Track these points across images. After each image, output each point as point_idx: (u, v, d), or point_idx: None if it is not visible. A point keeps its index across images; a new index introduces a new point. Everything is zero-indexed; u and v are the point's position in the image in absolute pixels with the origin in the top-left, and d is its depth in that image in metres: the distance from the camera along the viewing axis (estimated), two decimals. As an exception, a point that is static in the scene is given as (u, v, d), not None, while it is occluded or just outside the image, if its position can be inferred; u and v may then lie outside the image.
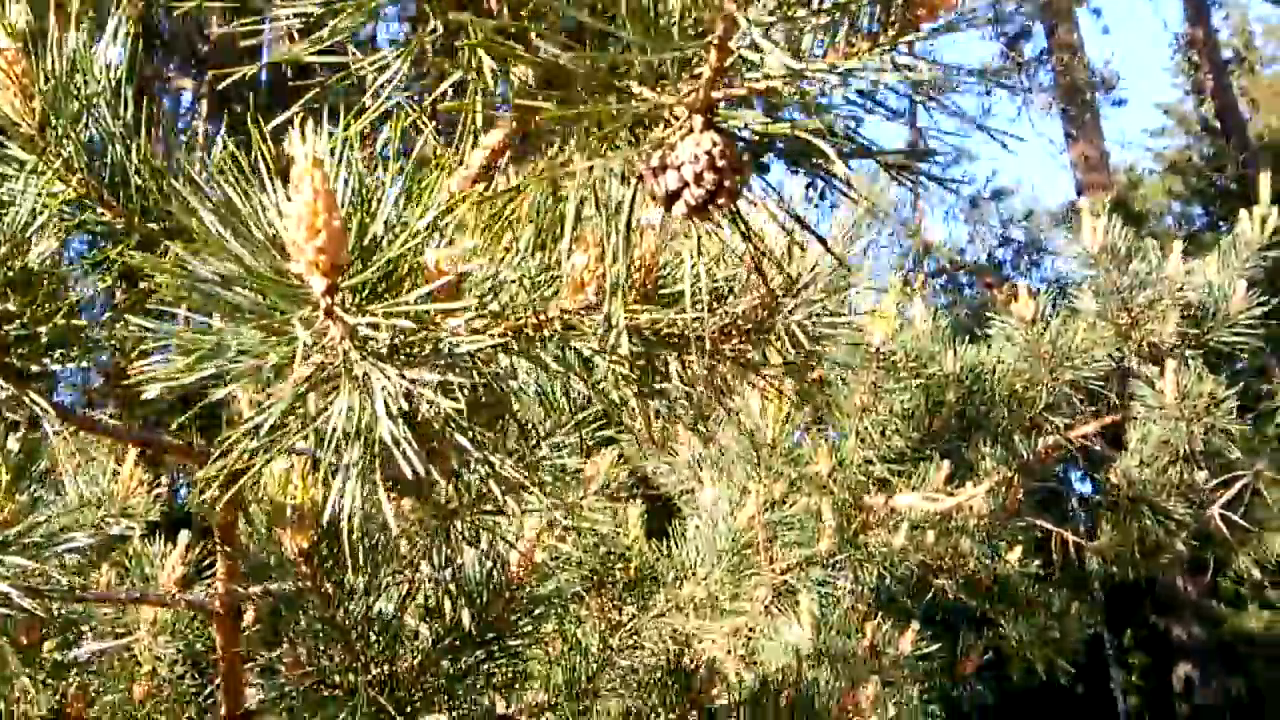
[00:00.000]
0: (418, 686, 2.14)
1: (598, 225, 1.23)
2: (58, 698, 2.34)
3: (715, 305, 1.49)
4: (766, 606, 3.91)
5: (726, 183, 1.12)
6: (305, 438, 1.16)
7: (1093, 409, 4.65)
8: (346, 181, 1.07)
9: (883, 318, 3.94)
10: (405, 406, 1.04)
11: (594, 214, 1.30)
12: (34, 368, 1.41)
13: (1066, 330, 4.39)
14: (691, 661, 2.30)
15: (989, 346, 4.58)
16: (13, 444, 2.06)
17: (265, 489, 2.03)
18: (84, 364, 1.43)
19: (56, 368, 1.37)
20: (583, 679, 2.50)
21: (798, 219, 1.24)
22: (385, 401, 1.01)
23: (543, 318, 1.22)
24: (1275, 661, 15.76)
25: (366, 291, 1.08)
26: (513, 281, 1.20)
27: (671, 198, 1.13)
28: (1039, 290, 4.42)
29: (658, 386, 1.50)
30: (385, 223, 1.05)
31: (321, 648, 2.10)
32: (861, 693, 3.22)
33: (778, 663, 3.90)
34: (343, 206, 1.07)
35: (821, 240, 1.22)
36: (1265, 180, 4.39)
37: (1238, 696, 15.83)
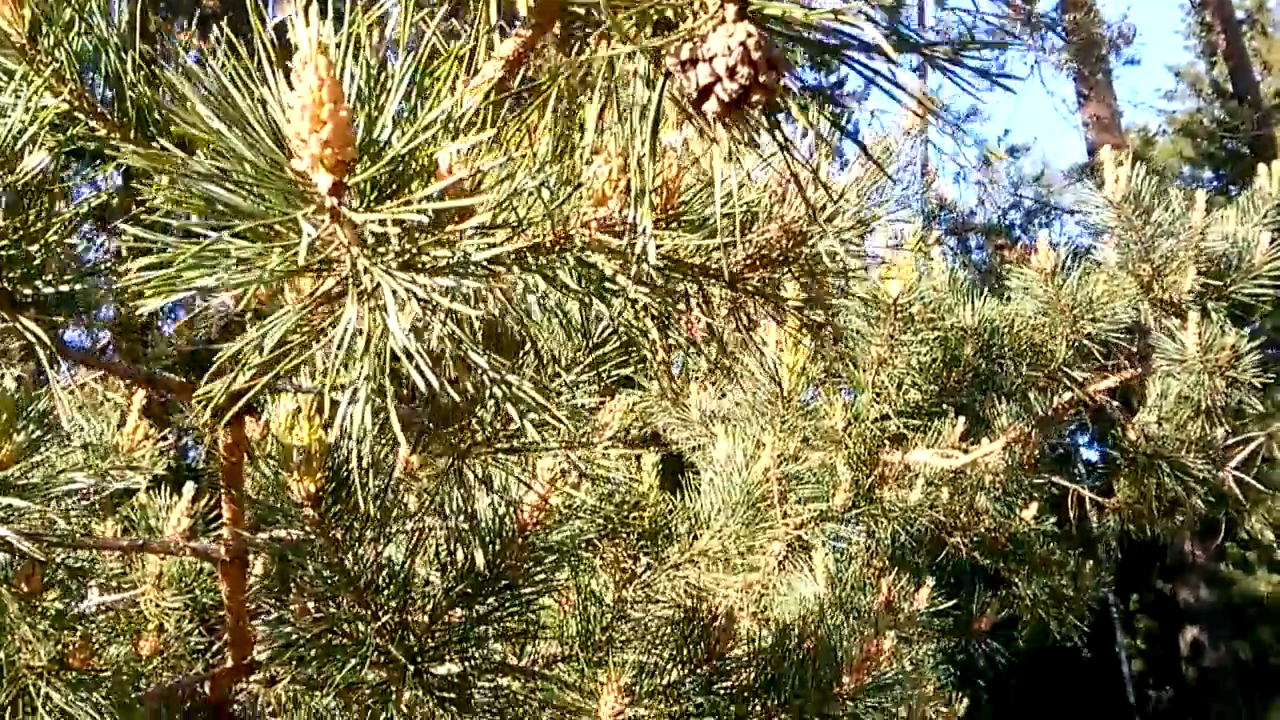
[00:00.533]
0: (429, 635, 2.08)
1: (619, 135, 1.15)
2: (59, 648, 2.29)
3: (741, 232, 1.41)
4: (780, 561, 3.86)
5: (762, 78, 1.04)
6: (309, 359, 1.08)
7: (1112, 364, 4.57)
8: (353, 76, 0.99)
9: (901, 268, 3.85)
10: (420, 315, 0.96)
11: (615, 124, 1.22)
12: (26, 292, 1.34)
13: (1086, 282, 4.30)
14: (709, 612, 2.24)
15: (1007, 300, 4.50)
16: (9, 382, 1.99)
17: (270, 430, 1.97)
18: (78, 287, 1.36)
19: (50, 291, 1.30)
20: (596, 630, 2.45)
21: (837, 124, 1.16)
22: (397, 312, 0.94)
23: (561, 232, 1.15)
24: (1284, 625, 15.76)
25: (375, 192, 1.00)
26: (529, 192, 1.12)
27: (702, 95, 1.05)
28: (1059, 243, 4.33)
29: (679, 316, 1.42)
30: (394, 117, 0.97)
31: (330, 596, 2.04)
32: (883, 642, 3.17)
33: (792, 617, 3.85)
34: (349, 101, 0.99)
35: (862, 147, 1.14)
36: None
37: (1245, 661, 15.84)
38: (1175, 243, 4.13)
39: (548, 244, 1.12)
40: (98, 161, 1.34)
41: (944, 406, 4.45)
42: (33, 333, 1.33)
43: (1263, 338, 4.46)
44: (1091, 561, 5.85)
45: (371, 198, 0.99)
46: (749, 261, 1.63)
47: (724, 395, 4.41)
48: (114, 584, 3.15)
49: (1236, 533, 8.35)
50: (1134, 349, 4.43)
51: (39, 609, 2.23)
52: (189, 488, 3.46)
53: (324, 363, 1.11)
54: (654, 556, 2.74)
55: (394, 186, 1.01)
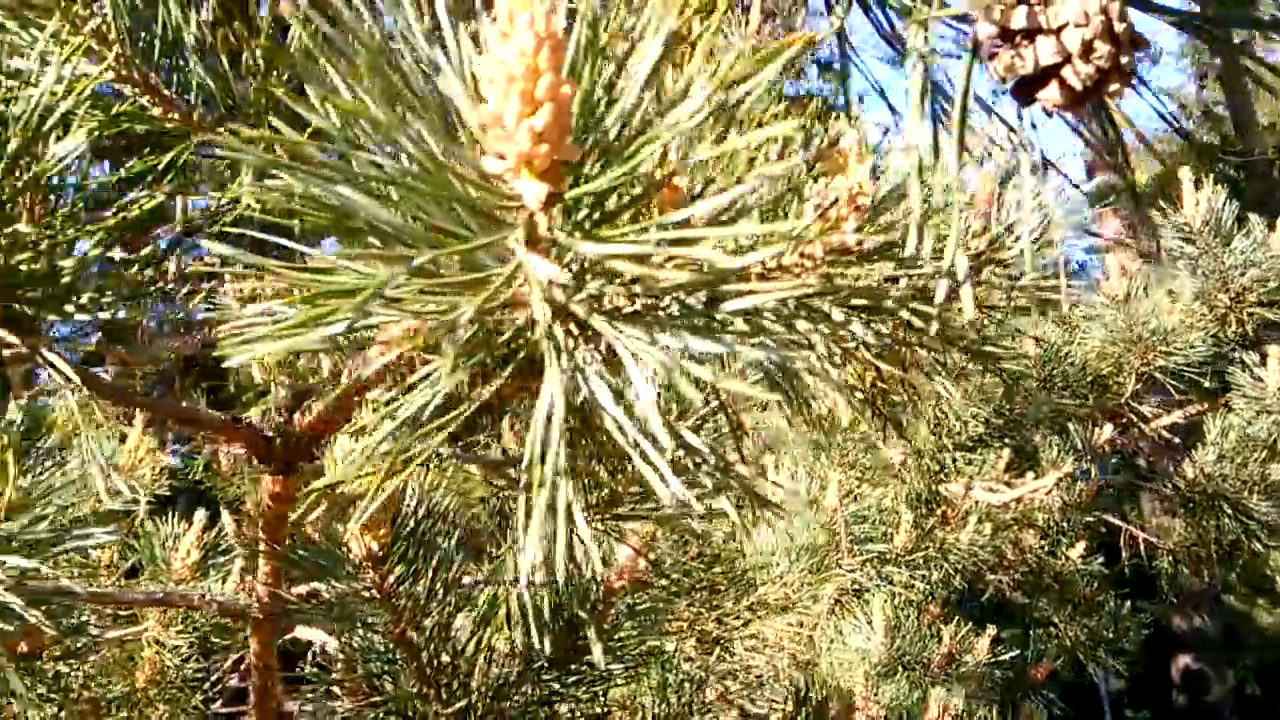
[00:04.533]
0: (498, 715, 1.77)
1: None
2: (60, 714, 1.96)
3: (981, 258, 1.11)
4: (832, 607, 3.55)
5: (1124, 59, 0.74)
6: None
7: (1179, 399, 4.30)
8: (575, 37, 0.68)
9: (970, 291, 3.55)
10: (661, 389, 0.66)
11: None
12: (49, 316, 1.02)
13: (1158, 312, 4.02)
14: (818, 689, 1.93)
15: (1071, 328, 4.22)
16: (14, 413, 1.67)
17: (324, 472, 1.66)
18: (118, 314, 1.04)
19: (86, 318, 0.98)
20: (674, 703, 2.14)
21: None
22: (641, 379, 0.63)
23: (808, 262, 0.84)
24: (1280, 654, 15.58)
25: (591, 210, 0.69)
26: (764, 208, 0.81)
27: (1037, 79, 0.75)
28: (1132, 268, 4.05)
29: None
30: (635, 99, 0.66)
31: (386, 672, 1.73)
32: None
33: (846, 670, 3.55)
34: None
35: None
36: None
37: (1250, 693, 15.65)
38: (1259, 272, 3.85)
39: (809, 284, 0.81)
40: (149, 150, 1.02)
41: (999, 440, 4.16)
42: (59, 370, 1.01)
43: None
44: (1134, 602, 5.60)
45: (586, 217, 0.68)
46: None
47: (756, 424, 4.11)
48: (111, 621, 2.82)
49: (1259, 568, 8.09)
50: (1205, 383, 4.16)
51: (38, 672, 1.91)
52: (200, 515, 3.13)
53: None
54: (726, 613, 2.44)
55: (614, 202, 0.70)
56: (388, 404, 0.81)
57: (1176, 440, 4.52)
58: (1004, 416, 3.86)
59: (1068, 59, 0.73)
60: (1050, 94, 0.74)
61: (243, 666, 4.79)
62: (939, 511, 3.68)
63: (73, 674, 2.07)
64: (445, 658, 1.73)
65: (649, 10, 0.66)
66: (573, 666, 1.84)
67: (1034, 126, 0.80)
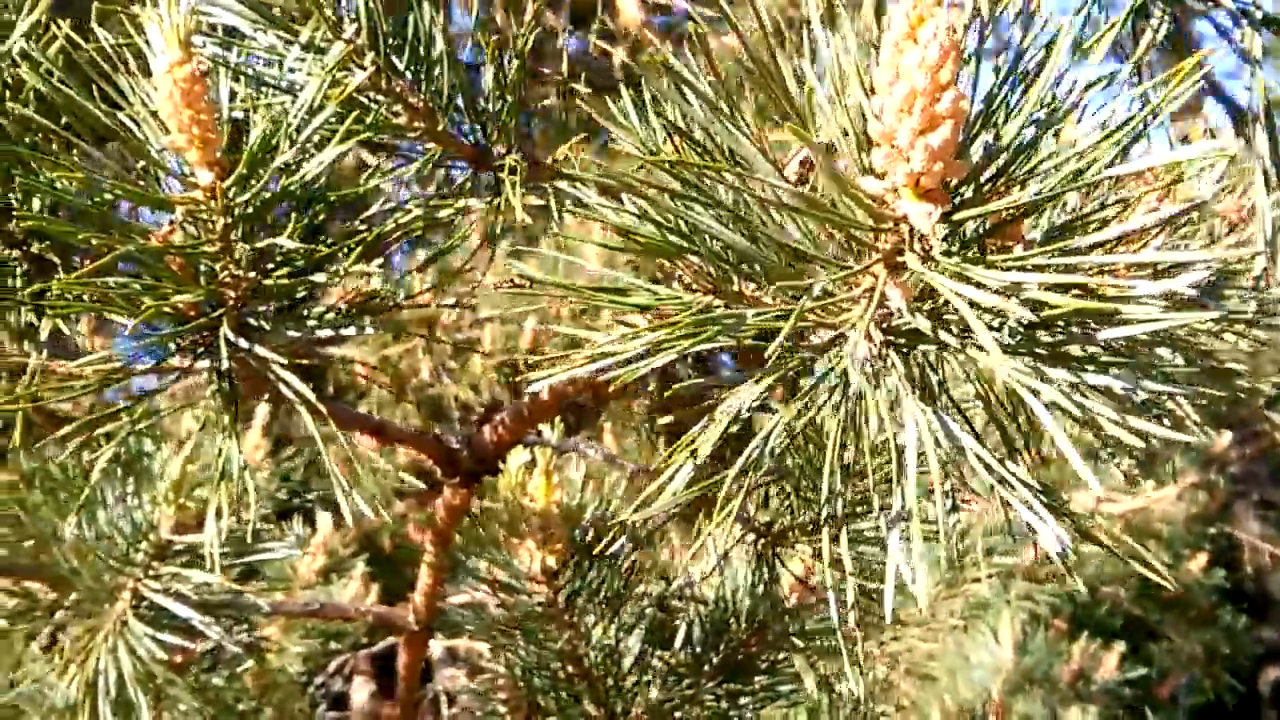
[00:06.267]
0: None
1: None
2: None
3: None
4: (964, 623, 3.45)
5: None
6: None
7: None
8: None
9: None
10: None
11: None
12: (289, 329, 0.98)
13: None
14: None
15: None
16: (190, 421, 1.65)
17: (497, 487, 1.61)
18: (359, 328, 1.00)
19: (350, 331, 0.94)
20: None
21: None
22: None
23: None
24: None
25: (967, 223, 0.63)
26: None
27: None
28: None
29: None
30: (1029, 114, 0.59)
31: (557, 688, 1.68)
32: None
33: (972, 687, 3.45)
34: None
35: None
36: None
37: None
38: None
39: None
40: (399, 160, 0.98)
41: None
42: (295, 390, 0.98)
43: None
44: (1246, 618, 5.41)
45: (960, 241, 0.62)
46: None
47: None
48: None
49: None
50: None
51: (190, 685, 1.90)
52: (325, 520, 3.13)
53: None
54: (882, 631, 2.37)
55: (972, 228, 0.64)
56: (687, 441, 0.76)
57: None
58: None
59: None
60: None
61: (345, 670, 4.81)
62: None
63: (226, 687, 2.06)
64: (611, 678, 1.68)
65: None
66: (739, 684, 1.78)
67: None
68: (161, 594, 1.48)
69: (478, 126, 0.98)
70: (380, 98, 0.95)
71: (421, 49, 0.95)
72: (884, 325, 0.64)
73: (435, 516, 1.66)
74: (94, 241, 0.87)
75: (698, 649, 1.77)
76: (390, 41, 0.92)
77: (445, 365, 5.05)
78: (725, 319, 0.62)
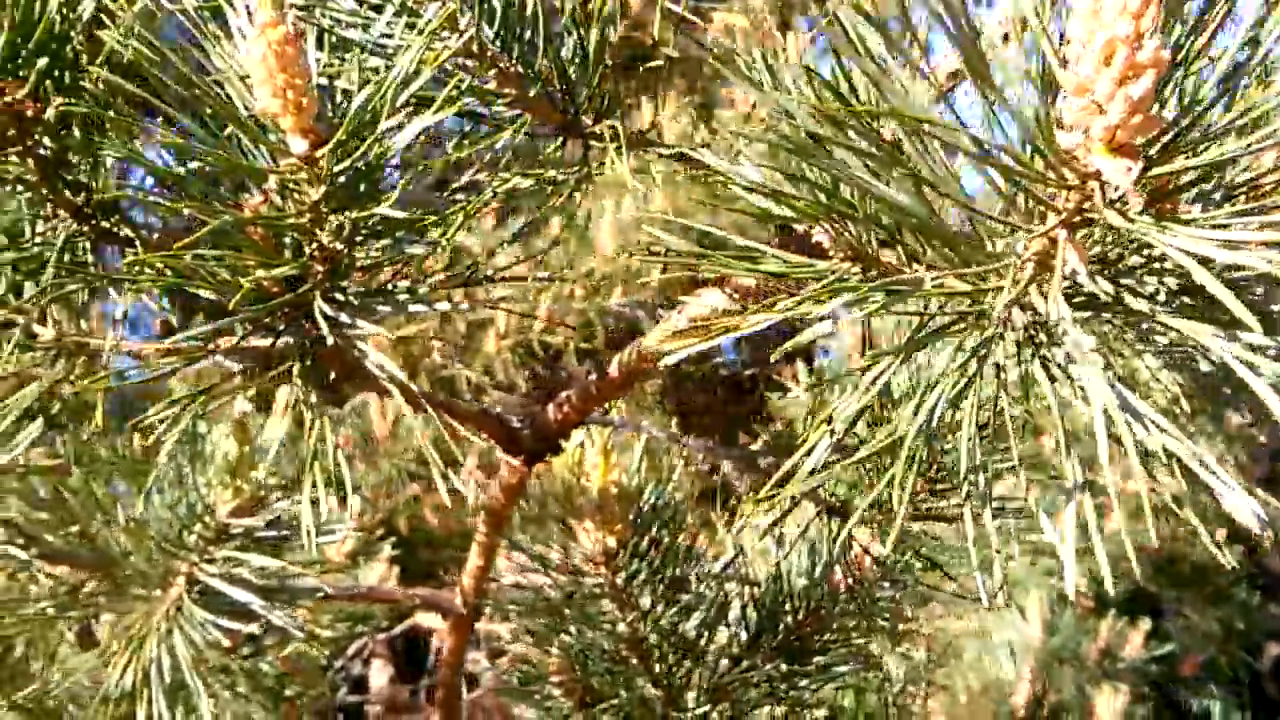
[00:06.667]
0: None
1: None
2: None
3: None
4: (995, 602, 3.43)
5: None
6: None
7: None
8: None
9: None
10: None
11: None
12: (378, 306, 0.95)
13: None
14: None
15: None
16: (244, 404, 1.61)
17: (552, 468, 1.58)
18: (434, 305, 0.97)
19: (444, 306, 0.91)
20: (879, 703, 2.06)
21: None
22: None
23: None
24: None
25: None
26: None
27: None
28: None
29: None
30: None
31: (612, 671, 1.66)
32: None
33: (999, 665, 3.44)
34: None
35: None
36: None
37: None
38: None
39: None
40: (486, 129, 0.95)
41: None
42: (386, 370, 0.94)
43: None
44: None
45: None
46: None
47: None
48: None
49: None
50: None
51: (238, 671, 1.87)
52: (355, 501, 3.10)
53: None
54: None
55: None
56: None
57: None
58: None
59: None
60: None
61: (364, 654, 4.78)
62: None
63: (268, 671, 2.04)
64: (671, 659, 1.66)
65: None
66: (797, 666, 1.76)
67: None
68: (218, 578, 1.45)
69: (567, 95, 0.95)
70: (471, 63, 0.91)
71: (513, 12, 0.91)
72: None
73: (490, 496, 1.63)
74: (187, 213, 0.83)
75: (755, 630, 1.75)
76: (482, 4, 0.89)
77: (458, 345, 5.03)
78: (897, 286, 0.59)
